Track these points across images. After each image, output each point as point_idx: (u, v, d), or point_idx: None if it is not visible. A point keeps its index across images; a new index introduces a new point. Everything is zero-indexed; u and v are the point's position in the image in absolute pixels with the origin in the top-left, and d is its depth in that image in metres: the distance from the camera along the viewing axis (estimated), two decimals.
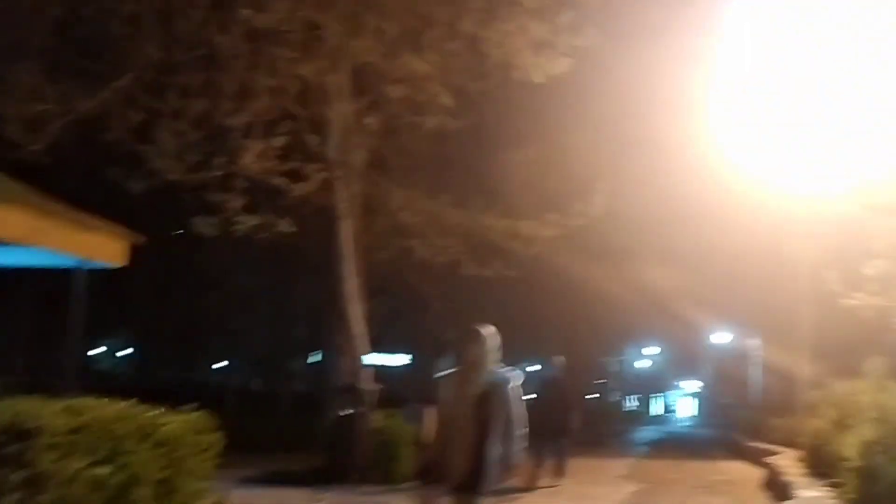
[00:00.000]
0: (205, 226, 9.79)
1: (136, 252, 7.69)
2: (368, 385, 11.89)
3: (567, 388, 13.29)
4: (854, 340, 23.09)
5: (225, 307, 29.59)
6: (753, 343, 32.50)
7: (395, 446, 11.01)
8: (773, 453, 15.35)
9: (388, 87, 12.68)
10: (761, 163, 14.47)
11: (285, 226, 9.91)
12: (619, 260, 26.10)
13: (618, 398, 50.40)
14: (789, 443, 16.25)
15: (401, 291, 34.36)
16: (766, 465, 13.56)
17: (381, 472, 10.93)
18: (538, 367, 42.93)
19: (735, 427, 26.19)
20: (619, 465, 16.22)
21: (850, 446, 7.83)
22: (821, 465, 9.84)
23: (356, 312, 15.11)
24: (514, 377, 5.36)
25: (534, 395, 12.49)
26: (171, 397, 6.60)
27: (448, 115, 13.49)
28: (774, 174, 14.87)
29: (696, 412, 54.68)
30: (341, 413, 11.30)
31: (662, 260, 23.98)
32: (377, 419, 11.67)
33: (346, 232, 14.87)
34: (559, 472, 12.40)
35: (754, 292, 23.34)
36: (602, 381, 49.66)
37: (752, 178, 15.28)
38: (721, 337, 37.95)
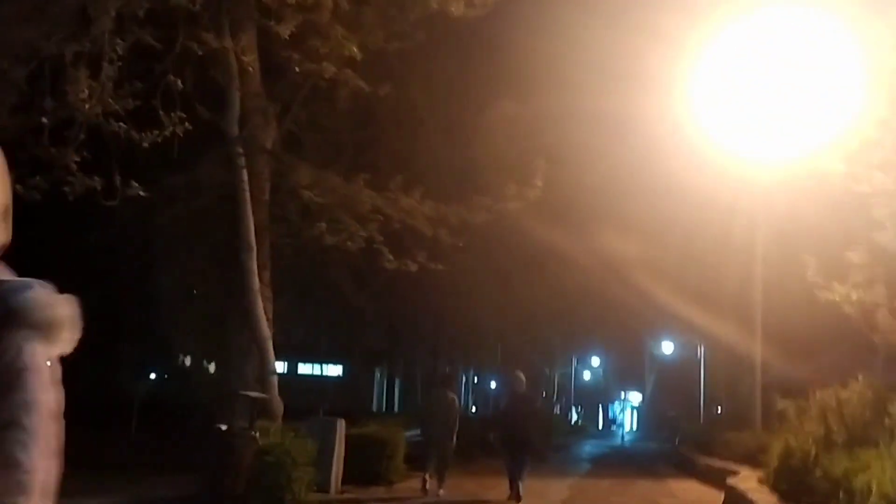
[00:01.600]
0: (31, 188, 7.63)
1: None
2: (253, 393, 9.77)
3: (530, 403, 13.20)
4: (815, 334, 21.98)
5: (141, 310, 27.20)
6: (699, 352, 31.15)
7: (285, 468, 8.94)
8: (732, 472, 13.67)
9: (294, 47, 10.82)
10: (721, 135, 14.32)
11: (136, 189, 7.85)
12: (562, 257, 24.35)
13: (561, 411, 48.87)
14: (748, 460, 14.66)
15: (332, 299, 32.38)
16: (725, 488, 11.85)
17: (264, 499, 8.84)
18: (482, 380, 41.40)
19: (683, 441, 24.62)
20: (559, 487, 14.37)
21: (849, 470, 6.08)
22: (796, 490, 8.08)
23: (262, 311, 13.12)
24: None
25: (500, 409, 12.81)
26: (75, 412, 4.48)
27: (362, 79, 11.69)
28: (732, 145, 14.64)
29: (637, 425, 53.52)
30: (218, 427, 9.18)
31: (613, 240, 22.32)
32: (271, 435, 9.56)
33: (249, 219, 12.93)
34: (519, 482, 12.01)
35: (704, 282, 21.91)
36: (544, 393, 48.15)
37: (709, 151, 15.15)
38: (665, 346, 36.65)
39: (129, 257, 18.04)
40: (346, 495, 11.30)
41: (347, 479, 12.01)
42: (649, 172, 19.66)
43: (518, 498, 11.82)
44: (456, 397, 13.49)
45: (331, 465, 11.30)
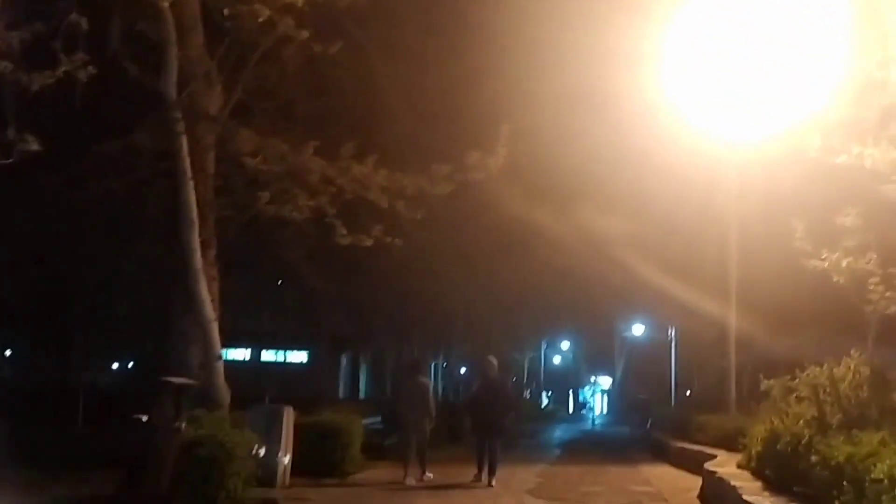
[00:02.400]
0: None
1: None
2: (178, 379, 8.80)
3: (502, 388, 13.25)
4: (797, 310, 21.46)
5: (93, 296, 25.96)
6: (670, 334, 30.56)
7: (218, 462, 7.98)
8: (708, 457, 12.95)
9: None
10: (700, 109, 13.54)
11: (30, 143, 6.82)
12: (532, 237, 23.52)
13: (531, 396, 48.22)
14: (723, 444, 13.96)
15: (291, 281, 31.30)
16: (702, 473, 11.10)
17: (192, 498, 7.87)
18: (452, 366, 40.48)
19: (655, 425, 23.97)
20: (527, 474, 13.57)
21: (854, 456, 5.27)
22: (785, 477, 7.30)
23: (205, 292, 12.11)
24: None
25: (471, 395, 12.96)
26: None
27: (313, 40, 10.69)
28: (709, 120, 14.02)
29: (608, 409, 53.05)
30: (137, 418, 8.19)
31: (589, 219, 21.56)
32: (205, 426, 8.58)
33: (190, 191, 11.89)
34: (491, 470, 12.08)
35: (681, 258, 21.27)
36: (514, 378, 47.50)
37: (690, 126, 14.47)
38: (636, 329, 36.02)
39: (64, 236, 16.83)
40: (294, 489, 10.37)
41: (298, 471, 11.10)
42: (626, 149, 18.93)
43: (490, 484, 11.80)
44: (430, 382, 13.45)
45: (276, 456, 10.36)
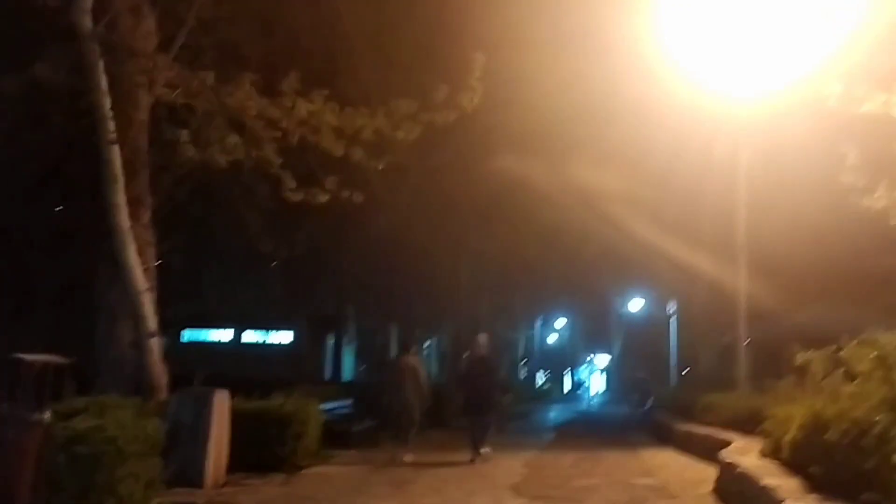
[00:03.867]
0: None
1: None
2: (36, 356, 6.98)
3: (493, 366, 13.22)
4: (818, 274, 19.75)
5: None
6: (670, 308, 28.80)
7: (104, 462, 6.18)
8: (720, 442, 11.22)
9: None
10: (701, 60, 13.16)
11: None
12: (523, 201, 21.72)
13: (526, 375, 46.51)
14: (735, 426, 12.27)
15: (280, 257, 29.41)
16: (718, 463, 9.35)
17: None
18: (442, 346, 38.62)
19: (655, 405, 22.25)
20: (514, 463, 11.84)
21: None
22: (841, 479, 5.52)
23: (135, 257, 10.37)
24: None
25: (460, 373, 12.86)
26: None
27: None
28: (713, 71, 13.42)
29: (605, 388, 51.34)
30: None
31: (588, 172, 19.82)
32: (90, 416, 6.76)
33: (111, 138, 10.15)
34: (478, 446, 12.10)
35: (683, 216, 19.56)
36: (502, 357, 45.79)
37: (690, 76, 13.80)
38: (634, 304, 34.21)
39: None
40: (224, 490, 8.58)
41: (238, 466, 9.33)
42: (621, 101, 17.16)
43: (477, 454, 11.82)
44: (421, 362, 13.34)
45: (204, 450, 8.58)
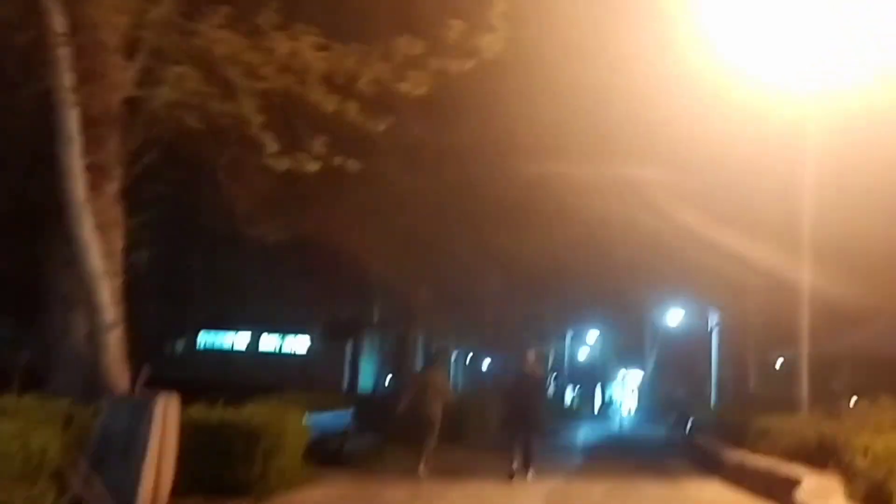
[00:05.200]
0: None
1: None
2: None
3: (541, 383, 13.58)
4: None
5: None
6: (710, 321, 26.61)
7: None
8: (786, 478, 9.24)
9: None
10: (760, 62, 12.63)
11: None
12: (554, 200, 19.79)
13: (554, 391, 44.25)
14: (798, 456, 10.27)
15: (301, 256, 27.83)
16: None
17: None
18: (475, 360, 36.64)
19: (695, 427, 20.11)
20: (535, 494, 9.92)
21: None
22: None
23: (90, 235, 8.73)
24: None
25: (506, 389, 12.80)
26: None
27: None
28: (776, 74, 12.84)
29: (639, 407, 48.82)
30: None
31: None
32: None
33: (66, 92, 8.57)
34: (527, 464, 11.82)
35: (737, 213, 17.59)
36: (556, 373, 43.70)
37: (748, 80, 13.08)
38: (671, 316, 31.91)
39: None
40: None
41: (190, 489, 7.54)
42: (672, 90, 15.29)
43: (526, 476, 11.47)
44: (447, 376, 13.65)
45: (138, 469, 6.78)
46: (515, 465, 11.54)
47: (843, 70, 12.65)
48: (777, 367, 21.69)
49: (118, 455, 6.85)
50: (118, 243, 9.82)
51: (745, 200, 17.26)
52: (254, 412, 8.46)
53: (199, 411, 8.26)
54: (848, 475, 8.28)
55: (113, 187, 9.74)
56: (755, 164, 16.10)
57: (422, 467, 11.40)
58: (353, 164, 8.91)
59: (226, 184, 11.26)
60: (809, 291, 13.56)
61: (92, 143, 8.84)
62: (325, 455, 10.94)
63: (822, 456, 9.72)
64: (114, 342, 8.81)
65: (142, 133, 9.60)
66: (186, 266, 36.32)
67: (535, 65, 15.61)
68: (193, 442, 7.79)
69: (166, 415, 7.19)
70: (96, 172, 9.08)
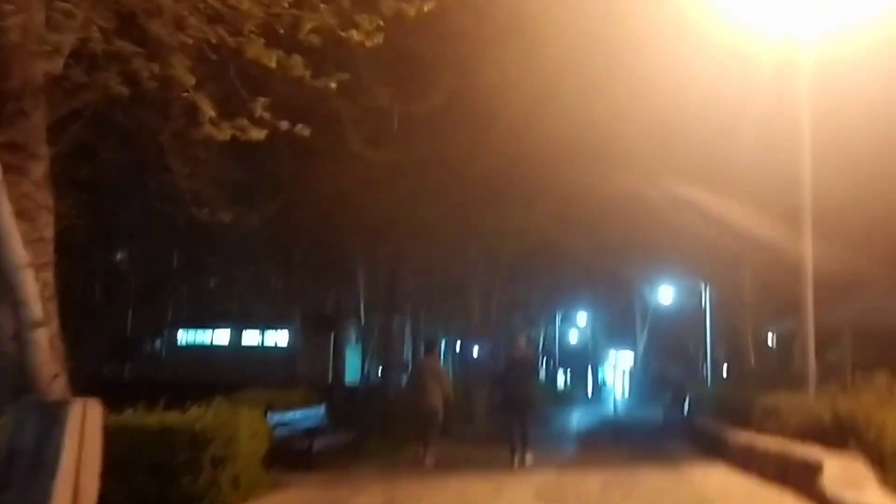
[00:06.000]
0: None
1: None
2: None
3: (533, 366, 13.83)
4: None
5: None
6: (704, 297, 25.67)
7: None
8: (801, 461, 8.29)
9: None
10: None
11: None
12: (537, 176, 18.79)
13: (547, 376, 43.32)
14: (810, 436, 9.32)
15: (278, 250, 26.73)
16: (818, 497, 6.41)
17: None
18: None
19: (693, 408, 19.17)
20: (523, 489, 8.93)
21: None
22: None
23: (11, 222, 7.67)
24: None
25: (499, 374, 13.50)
26: None
27: None
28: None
29: (632, 388, 47.96)
30: None
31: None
32: None
33: None
34: (524, 445, 11.94)
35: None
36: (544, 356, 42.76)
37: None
38: (662, 293, 30.98)
39: None
40: None
41: None
42: (660, 48, 14.25)
43: (523, 461, 11.65)
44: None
45: (49, 486, 5.71)
46: (515, 454, 11.67)
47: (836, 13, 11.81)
48: (770, 342, 20.83)
49: (26, 471, 5.79)
50: (48, 230, 8.72)
51: (736, 163, 16.28)
52: (200, 415, 7.39)
53: (135, 416, 7.21)
54: (874, 457, 7.32)
55: (38, 168, 8.64)
56: (746, 119, 15.13)
57: (428, 459, 11.52)
58: (302, 130, 7.82)
59: (173, 161, 10.15)
60: (813, 257, 12.55)
61: (10, 118, 7.75)
62: (293, 458, 9.91)
63: (839, 436, 8.75)
64: (43, 341, 7.74)
65: (64, 103, 8.50)
66: (165, 264, 35.25)
67: (512, 31, 14.58)
68: (129, 451, 6.76)
69: (85, 422, 6.10)
70: (17, 152, 7.98)
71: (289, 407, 10.95)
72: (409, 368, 26.80)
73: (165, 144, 9.90)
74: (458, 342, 33.05)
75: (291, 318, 31.78)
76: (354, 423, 12.81)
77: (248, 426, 8.00)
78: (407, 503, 7.86)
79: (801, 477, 8.43)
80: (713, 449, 12.93)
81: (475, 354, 27.21)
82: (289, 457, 9.84)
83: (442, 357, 29.33)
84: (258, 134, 7.80)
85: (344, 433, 11.90)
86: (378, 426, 13.88)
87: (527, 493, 8.67)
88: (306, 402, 11.89)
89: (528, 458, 11.74)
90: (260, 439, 8.36)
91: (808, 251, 12.27)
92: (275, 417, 10.30)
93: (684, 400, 21.01)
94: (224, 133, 7.83)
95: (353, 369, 33.61)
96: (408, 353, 30.93)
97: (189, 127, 9.19)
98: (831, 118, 13.55)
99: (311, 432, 10.69)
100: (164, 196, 11.53)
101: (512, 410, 12.13)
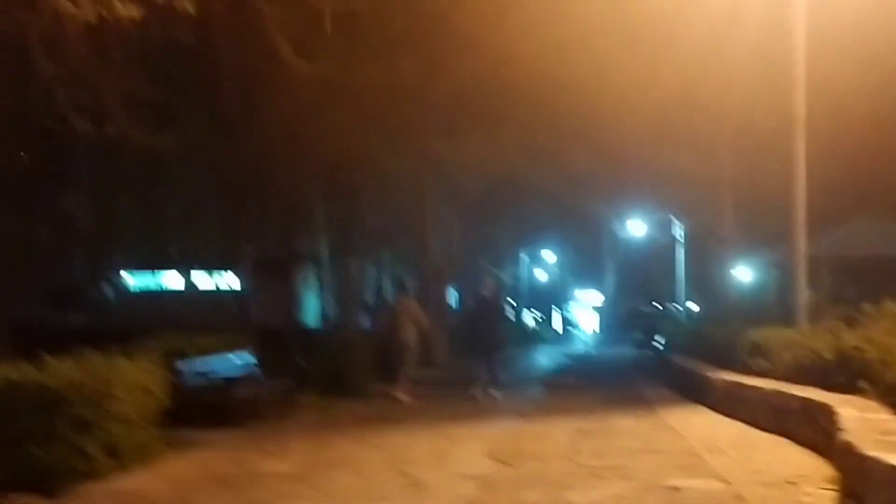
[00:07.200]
0: None
1: None
2: None
3: (500, 306, 14.41)
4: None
5: None
6: (676, 230, 24.40)
7: None
8: (803, 402, 7.00)
9: None
10: None
11: None
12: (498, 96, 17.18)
13: (514, 316, 42.07)
14: (809, 377, 8.03)
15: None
16: (838, 452, 5.07)
17: None
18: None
19: (670, 346, 17.94)
20: (477, 446, 7.56)
21: None
22: None
23: None
24: None
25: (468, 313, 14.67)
26: None
27: None
28: None
29: (602, 327, 46.92)
30: None
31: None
32: None
33: None
34: (494, 382, 12.47)
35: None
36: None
37: None
38: (633, 226, 29.60)
39: None
40: None
41: None
42: None
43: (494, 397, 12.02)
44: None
45: None
46: (481, 389, 12.08)
47: None
48: (744, 276, 19.64)
49: None
50: None
51: (721, 82, 14.78)
52: (57, 369, 5.81)
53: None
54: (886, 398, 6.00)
55: None
56: (734, 35, 13.60)
57: (399, 394, 11.70)
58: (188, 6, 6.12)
59: (41, 64, 8.36)
60: (804, 180, 11.10)
61: None
62: (208, 413, 8.41)
63: (845, 376, 7.45)
64: None
65: None
66: (114, 206, 33.31)
67: None
68: None
69: None
70: None
71: (207, 353, 9.40)
72: (376, 310, 25.48)
73: (31, 42, 8.12)
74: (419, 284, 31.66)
75: (244, 261, 30.10)
76: (294, 370, 11.35)
77: (134, 379, 6.44)
78: (327, 468, 6.39)
79: (804, 425, 7.12)
80: (693, 391, 11.65)
81: (438, 296, 25.87)
82: (203, 412, 8.34)
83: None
84: (128, 11, 6.11)
85: (278, 382, 10.40)
86: (325, 372, 12.48)
87: (479, 450, 7.26)
88: (232, 347, 10.32)
89: (496, 394, 12.06)
90: (153, 394, 6.81)
91: (800, 165, 10.85)
92: (188, 365, 8.78)
93: (656, 336, 19.80)
94: (86, 11, 6.14)
95: (313, 313, 32.14)
96: (371, 296, 29.55)
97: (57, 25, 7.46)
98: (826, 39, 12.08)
99: (230, 381, 9.17)
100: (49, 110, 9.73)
101: (479, 350, 12.51)
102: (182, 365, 8.57)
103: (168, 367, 7.72)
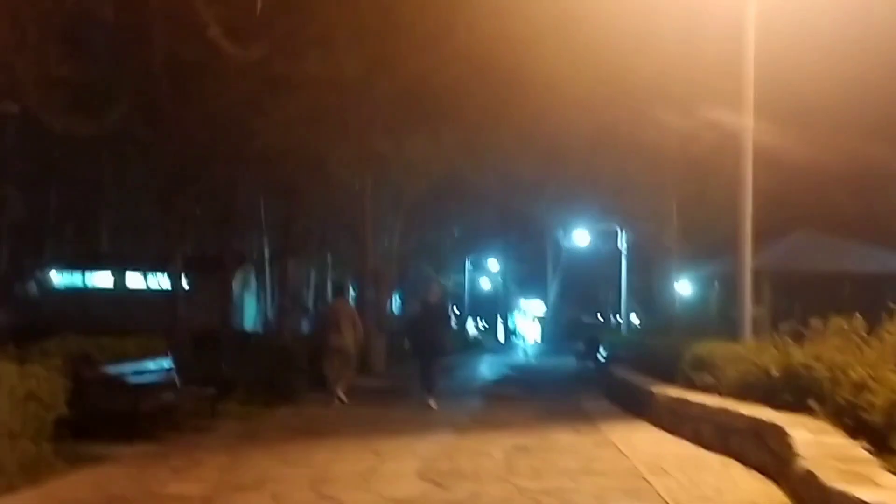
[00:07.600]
0: None
1: None
2: None
3: (445, 313, 14.13)
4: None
5: None
6: (621, 241, 24.21)
7: None
8: (751, 422, 6.64)
9: None
10: None
11: None
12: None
13: (457, 324, 41.54)
14: (755, 393, 7.70)
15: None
16: (796, 480, 4.65)
17: None
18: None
19: (611, 358, 17.63)
20: (409, 464, 6.99)
21: None
22: None
23: None
24: None
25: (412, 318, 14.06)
26: None
27: None
28: None
29: (543, 336, 46.72)
30: None
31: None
32: None
33: None
34: (430, 391, 12.22)
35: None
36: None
37: None
38: (577, 236, 29.31)
39: None
40: None
41: None
42: None
43: (431, 404, 11.86)
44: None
45: None
46: (424, 396, 11.98)
47: None
48: (686, 289, 19.49)
49: None
50: None
51: (668, 79, 14.52)
52: None
53: None
54: (848, 425, 5.64)
55: None
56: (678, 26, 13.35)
57: (343, 396, 11.80)
58: None
59: None
60: (751, 192, 10.83)
61: None
62: (117, 423, 7.70)
63: (793, 394, 7.12)
64: None
65: None
66: (43, 201, 31.87)
67: None
68: None
69: None
70: None
71: (118, 357, 8.66)
72: (314, 314, 24.81)
73: None
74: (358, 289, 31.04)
75: (176, 259, 28.98)
76: (220, 376, 10.67)
77: (16, 385, 5.73)
78: (239, 490, 5.77)
79: (753, 445, 6.75)
80: (635, 405, 11.27)
81: (378, 301, 25.24)
82: (110, 423, 7.63)
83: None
84: None
85: (200, 389, 9.70)
86: (255, 378, 11.83)
87: (409, 470, 6.71)
88: (148, 351, 9.58)
89: (433, 403, 11.83)
90: (44, 402, 6.10)
91: (748, 176, 10.58)
92: (94, 371, 8.05)
93: (598, 347, 19.50)
94: None
95: (251, 316, 31.15)
96: (310, 300, 28.78)
97: None
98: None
99: (143, 389, 8.45)
100: None
101: (424, 356, 12.38)
102: (86, 370, 7.83)
103: (69, 373, 7.00)
